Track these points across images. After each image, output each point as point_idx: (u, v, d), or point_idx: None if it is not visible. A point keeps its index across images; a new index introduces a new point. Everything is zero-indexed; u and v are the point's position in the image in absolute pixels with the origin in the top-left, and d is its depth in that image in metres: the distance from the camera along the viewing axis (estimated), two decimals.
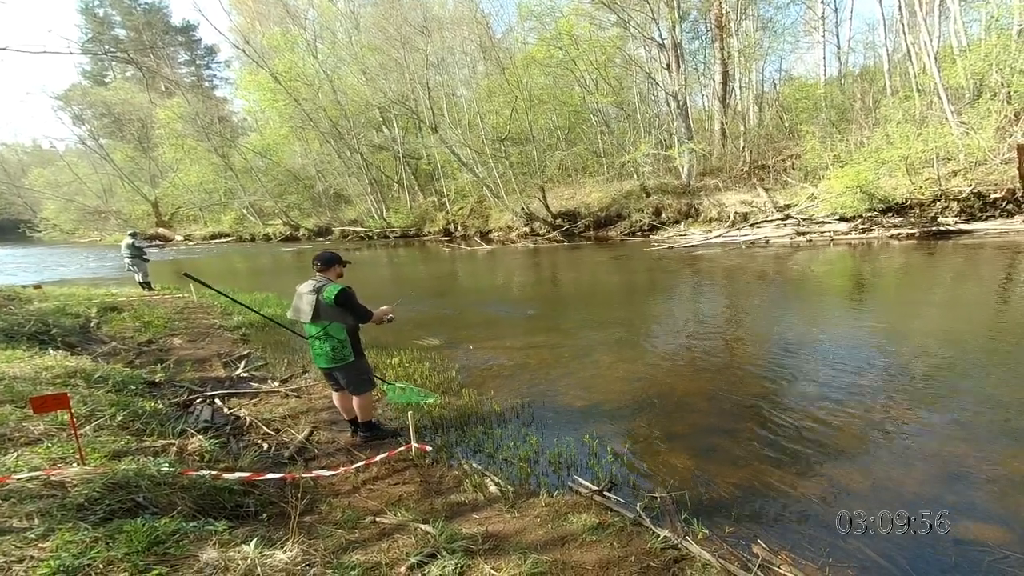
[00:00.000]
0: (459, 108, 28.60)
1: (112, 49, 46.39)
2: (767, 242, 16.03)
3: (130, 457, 3.16)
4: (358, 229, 30.87)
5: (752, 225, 17.54)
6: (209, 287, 4.12)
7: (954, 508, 3.02)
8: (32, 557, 2.14)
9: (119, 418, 3.95)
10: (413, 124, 29.20)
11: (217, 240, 36.54)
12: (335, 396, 4.21)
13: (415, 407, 4.51)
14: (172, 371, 5.86)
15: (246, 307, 4.79)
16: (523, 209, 22.89)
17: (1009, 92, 15.39)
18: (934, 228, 14.30)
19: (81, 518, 2.47)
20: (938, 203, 14.90)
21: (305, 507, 3.06)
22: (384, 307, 4.21)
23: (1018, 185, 13.76)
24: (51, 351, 5.74)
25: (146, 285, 12.35)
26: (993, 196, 14.35)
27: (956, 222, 14.33)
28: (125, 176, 39.83)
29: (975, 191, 14.54)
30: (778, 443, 3.92)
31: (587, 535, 2.82)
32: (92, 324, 7.88)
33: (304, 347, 7.07)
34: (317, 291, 3.74)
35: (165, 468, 2.99)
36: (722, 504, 3.22)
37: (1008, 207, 14.14)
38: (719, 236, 17.26)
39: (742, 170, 21.43)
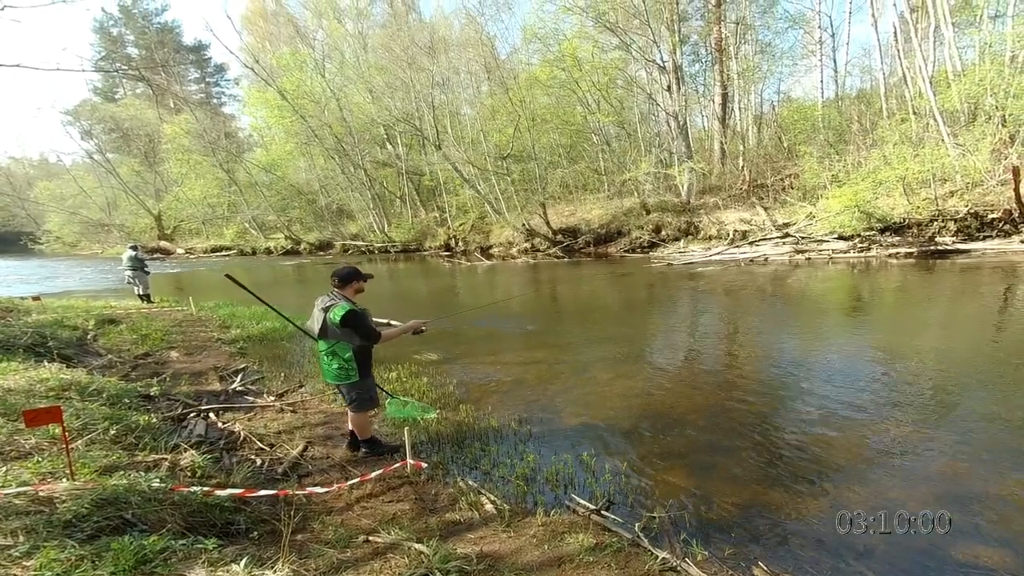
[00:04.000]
0: (463, 126, 28.92)
1: (124, 67, 47.11)
2: (766, 260, 16.06)
3: (121, 472, 3.10)
4: (359, 243, 30.99)
5: (751, 243, 17.60)
6: (247, 290, 4.03)
7: (956, 529, 2.96)
8: (16, 575, 2.09)
9: (112, 432, 3.90)
10: (417, 141, 29.49)
11: (218, 253, 36.67)
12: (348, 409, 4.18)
13: (412, 423, 4.47)
14: (167, 384, 5.82)
15: (280, 314, 4.50)
16: (524, 225, 22.99)
17: (1004, 115, 15.54)
18: (932, 248, 14.37)
19: (68, 535, 2.41)
20: (935, 223, 14.99)
21: (297, 525, 3.00)
22: (412, 322, 4.32)
23: (1014, 206, 13.83)
24: (46, 363, 5.71)
25: (146, 298, 12.35)
26: (990, 216, 14.43)
27: (953, 242, 14.40)
28: (130, 190, 40.12)
29: (972, 211, 14.63)
30: (778, 462, 3.87)
31: (584, 556, 2.76)
32: (89, 337, 7.86)
33: (301, 361, 7.07)
34: (326, 309, 3.74)
35: (156, 484, 2.94)
36: (722, 525, 3.16)
37: (1005, 227, 14.21)
38: (718, 253, 17.31)
39: (741, 189, 21.57)
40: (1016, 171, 13.30)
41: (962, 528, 2.99)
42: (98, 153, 42.64)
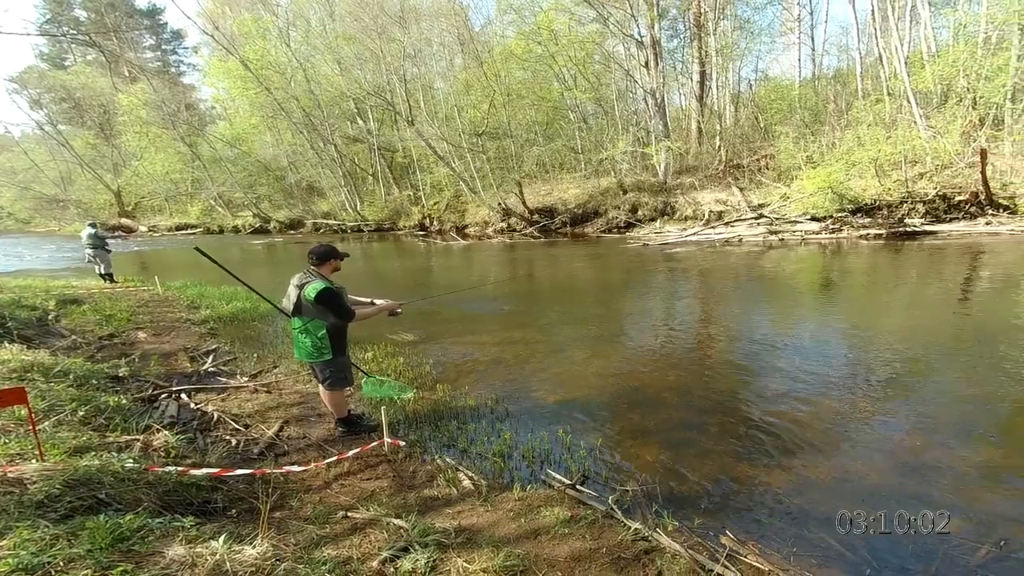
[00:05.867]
0: (436, 101, 28.37)
1: (72, 31, 44.56)
2: (741, 241, 16.34)
3: (92, 453, 3.06)
4: (331, 222, 30.37)
5: (727, 224, 17.87)
6: (218, 264, 3.89)
7: (914, 499, 3.14)
8: None
9: (80, 413, 3.82)
10: (389, 116, 28.84)
11: (183, 232, 35.50)
12: (320, 388, 4.16)
13: (388, 402, 4.48)
14: (136, 365, 5.68)
15: (249, 287, 4.33)
16: (500, 204, 22.85)
17: (975, 98, 15.98)
18: (901, 229, 14.76)
19: (40, 515, 2.39)
20: (905, 205, 15.41)
21: (275, 503, 3.01)
22: (387, 302, 4.29)
23: (981, 188, 14.30)
24: (6, 344, 5.52)
25: (108, 277, 11.96)
26: (957, 199, 14.89)
27: (922, 223, 14.83)
28: (86, 164, 38.34)
29: (940, 194, 15.08)
30: (747, 437, 4.02)
31: (559, 528, 2.84)
32: (50, 317, 7.58)
33: (274, 341, 6.98)
34: (300, 287, 3.71)
35: (129, 464, 2.91)
36: (692, 496, 3.28)
37: (971, 209, 14.69)
38: (694, 234, 17.54)
39: (717, 169, 21.80)
40: (984, 154, 13.72)
41: (919, 498, 3.16)
42: (49, 124, 40.51)
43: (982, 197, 14.45)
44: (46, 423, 3.49)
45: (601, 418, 4.48)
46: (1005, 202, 14.40)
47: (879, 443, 3.84)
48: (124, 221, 37.93)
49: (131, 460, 2.98)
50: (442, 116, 26.65)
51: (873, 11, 20.73)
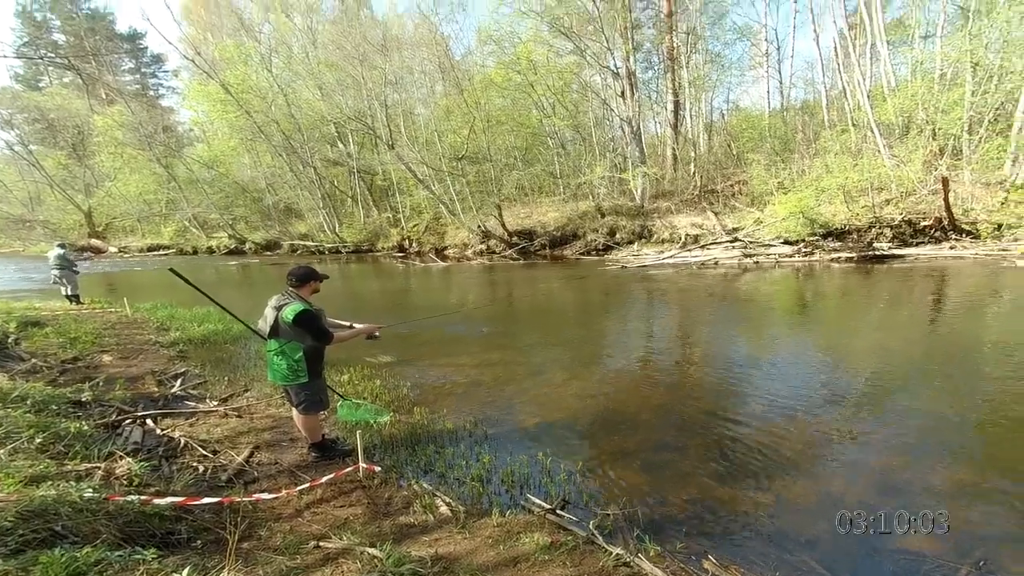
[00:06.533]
0: (417, 126, 28.58)
1: (50, 54, 44.00)
2: (717, 263, 16.60)
3: (49, 482, 2.90)
4: (308, 243, 30.06)
5: (703, 247, 18.19)
6: (192, 285, 3.76)
7: (892, 519, 3.14)
8: None
9: (38, 440, 3.63)
10: (369, 140, 28.90)
11: (155, 252, 34.79)
12: (294, 412, 4.04)
13: (364, 426, 4.37)
14: (100, 390, 5.46)
15: (225, 309, 4.21)
16: (479, 227, 22.93)
17: (934, 129, 16.74)
18: (870, 253, 15.18)
19: None
20: (873, 229, 15.92)
21: (243, 533, 2.88)
22: (366, 325, 4.20)
23: (943, 214, 14.89)
24: None
25: (74, 299, 11.59)
26: (922, 224, 15.46)
27: (890, 247, 15.30)
28: (56, 184, 37.44)
29: (906, 219, 15.63)
30: (727, 459, 4.01)
31: (539, 554, 2.77)
32: (10, 340, 7.27)
33: (246, 364, 6.80)
34: (278, 308, 3.63)
35: (88, 494, 2.76)
36: (674, 520, 3.24)
37: (936, 234, 15.25)
38: (671, 257, 17.79)
39: (693, 194, 22.29)
40: (945, 181, 14.34)
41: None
42: (20, 144, 39.60)
43: (946, 223, 15.02)
44: (0, 451, 3.31)
45: (581, 440, 4.43)
46: (968, 227, 14.98)
47: (857, 463, 3.86)
48: (94, 242, 36.96)
49: (91, 489, 2.83)
50: (423, 140, 26.85)
51: (836, 48, 21.72)
